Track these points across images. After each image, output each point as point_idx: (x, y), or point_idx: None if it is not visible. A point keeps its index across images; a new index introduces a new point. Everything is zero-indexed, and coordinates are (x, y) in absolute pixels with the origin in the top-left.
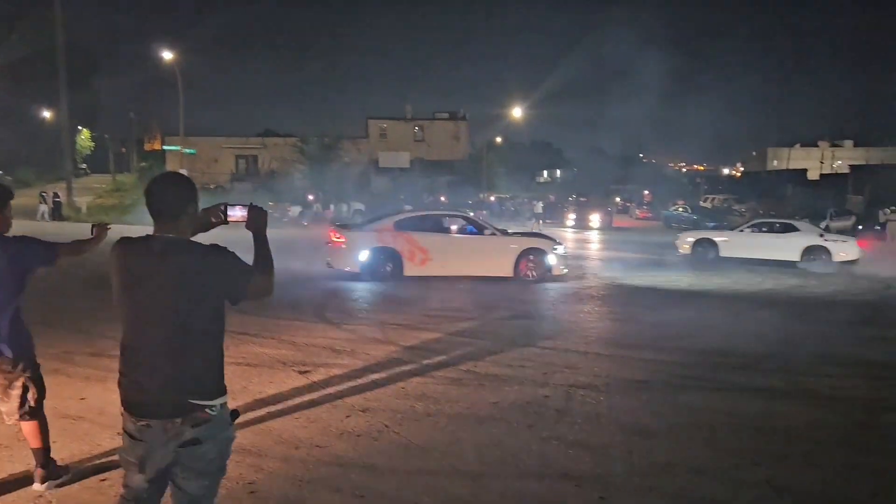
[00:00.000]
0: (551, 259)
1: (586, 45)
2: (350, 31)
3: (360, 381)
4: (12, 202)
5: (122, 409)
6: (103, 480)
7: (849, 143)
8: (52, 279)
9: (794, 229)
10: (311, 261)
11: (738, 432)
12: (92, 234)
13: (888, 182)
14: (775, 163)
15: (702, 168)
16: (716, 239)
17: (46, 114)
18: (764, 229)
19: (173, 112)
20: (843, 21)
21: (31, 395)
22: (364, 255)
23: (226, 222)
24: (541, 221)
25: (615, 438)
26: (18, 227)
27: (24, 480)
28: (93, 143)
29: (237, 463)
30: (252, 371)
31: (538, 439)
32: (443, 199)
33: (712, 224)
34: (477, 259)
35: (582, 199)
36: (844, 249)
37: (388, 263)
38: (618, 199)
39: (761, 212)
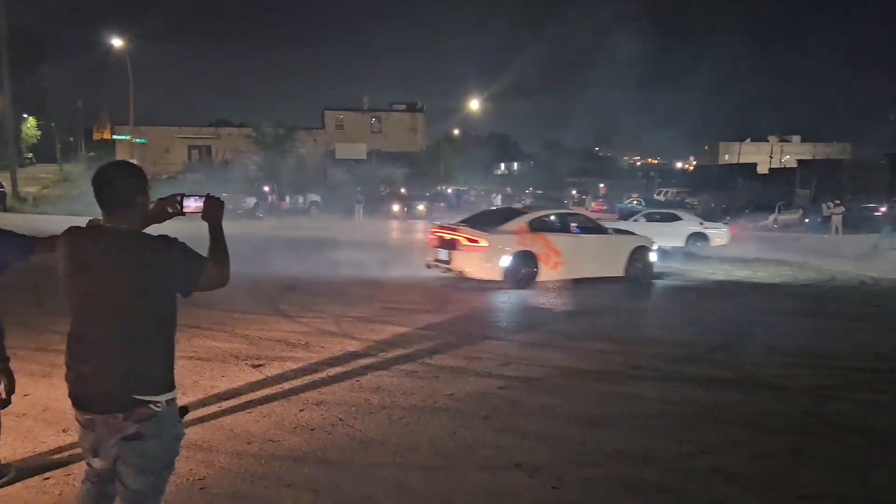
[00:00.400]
0: (652, 256)
1: (544, 39)
2: (306, 21)
3: (316, 375)
4: None
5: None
6: (47, 479)
7: (797, 138)
8: None
9: (678, 218)
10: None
11: (687, 421)
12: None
13: (833, 176)
14: (727, 157)
15: (656, 162)
16: None
17: None
18: (656, 218)
19: (123, 101)
20: (793, 19)
21: (2, 388)
22: (506, 261)
23: (182, 213)
24: None
25: (569, 429)
26: None
27: None
28: (39, 132)
29: (187, 459)
30: (205, 365)
31: (493, 431)
32: (402, 190)
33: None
34: (600, 260)
35: (538, 191)
36: (720, 236)
37: (525, 268)
38: (574, 192)
39: (713, 205)
